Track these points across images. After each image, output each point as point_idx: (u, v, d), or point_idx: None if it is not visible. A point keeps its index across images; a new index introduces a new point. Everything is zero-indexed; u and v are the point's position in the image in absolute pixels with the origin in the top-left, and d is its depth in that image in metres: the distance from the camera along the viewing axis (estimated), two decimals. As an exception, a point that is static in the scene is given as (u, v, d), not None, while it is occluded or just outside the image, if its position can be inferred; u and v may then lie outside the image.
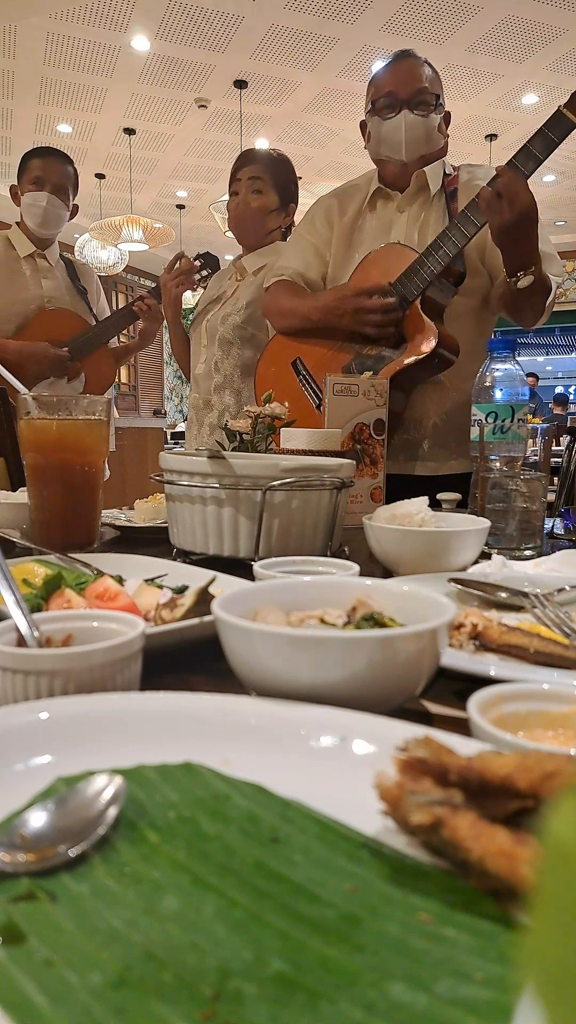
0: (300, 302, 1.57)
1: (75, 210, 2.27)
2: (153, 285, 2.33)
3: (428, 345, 1.38)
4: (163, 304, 2.10)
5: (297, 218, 1.97)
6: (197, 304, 2.10)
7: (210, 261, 2.31)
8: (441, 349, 1.38)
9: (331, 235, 1.63)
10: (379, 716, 0.40)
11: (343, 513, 0.89)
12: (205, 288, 2.14)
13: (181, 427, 8.48)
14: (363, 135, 1.62)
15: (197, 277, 2.33)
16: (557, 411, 9.02)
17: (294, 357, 1.58)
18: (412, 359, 1.39)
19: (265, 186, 1.91)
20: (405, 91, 1.49)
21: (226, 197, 2.08)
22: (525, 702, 0.40)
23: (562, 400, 9.39)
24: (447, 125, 1.57)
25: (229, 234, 2.13)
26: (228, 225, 2.02)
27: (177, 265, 2.02)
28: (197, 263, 2.31)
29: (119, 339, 2.46)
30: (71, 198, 2.22)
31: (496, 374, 1.10)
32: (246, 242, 2.00)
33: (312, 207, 1.70)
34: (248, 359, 1.90)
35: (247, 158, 1.95)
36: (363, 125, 1.61)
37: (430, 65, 1.54)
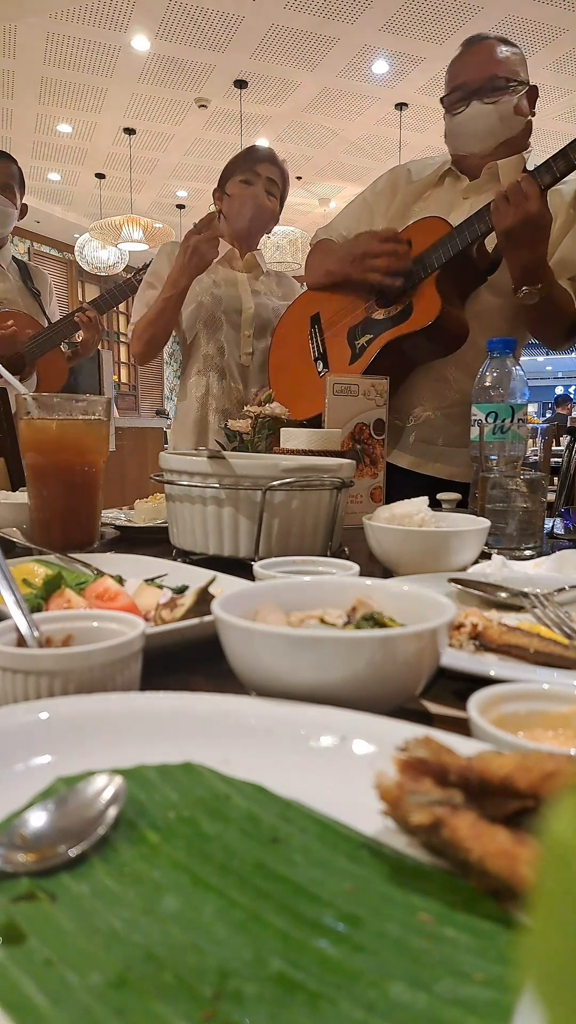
0: (324, 255, 1.58)
1: (24, 210, 2.27)
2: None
3: (427, 318, 1.35)
4: (184, 266, 1.68)
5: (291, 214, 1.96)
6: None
7: None
8: (442, 326, 1.35)
9: (392, 199, 1.58)
10: (379, 716, 0.40)
11: (343, 513, 0.89)
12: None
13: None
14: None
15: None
16: (560, 411, 9.04)
17: (315, 311, 1.60)
18: (410, 329, 1.37)
19: (277, 190, 1.87)
20: (475, 80, 1.41)
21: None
22: (525, 702, 0.40)
23: (563, 400, 9.40)
24: (532, 103, 1.44)
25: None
26: (234, 208, 1.84)
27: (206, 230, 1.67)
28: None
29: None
30: (18, 197, 2.23)
31: (496, 374, 1.10)
32: (245, 233, 1.89)
33: (383, 174, 1.64)
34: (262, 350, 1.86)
35: (266, 154, 1.85)
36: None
37: (508, 43, 1.45)
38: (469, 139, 1.45)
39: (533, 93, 1.45)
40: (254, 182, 1.82)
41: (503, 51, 1.43)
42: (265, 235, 1.97)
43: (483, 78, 1.40)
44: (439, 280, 1.37)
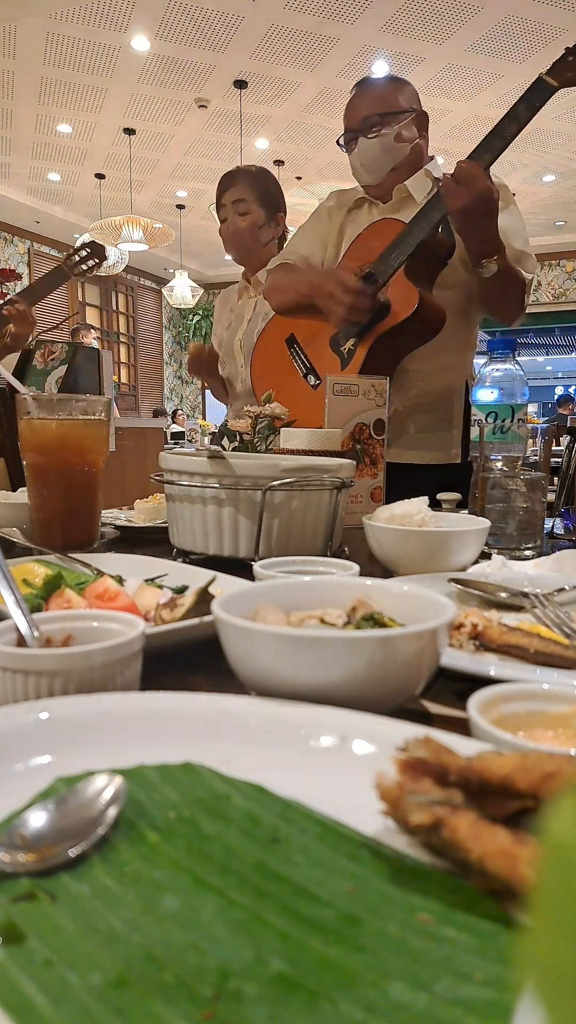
0: (293, 276, 1.65)
1: None
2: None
3: (408, 307, 1.41)
4: (202, 377, 2.16)
5: (296, 217, 2.02)
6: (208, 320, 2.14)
7: (96, 251, 2.29)
8: (422, 312, 1.41)
9: (330, 223, 1.72)
10: (379, 716, 0.40)
11: (343, 513, 0.89)
12: (89, 274, 2.23)
13: (175, 428, 8.51)
14: None
15: (84, 267, 2.30)
16: (562, 411, 9.03)
17: (288, 334, 1.63)
18: (394, 322, 1.42)
19: (249, 205, 1.97)
20: (355, 122, 1.61)
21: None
22: (525, 702, 0.40)
23: (565, 400, 9.38)
24: (422, 127, 1.63)
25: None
26: (225, 248, 2.08)
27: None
28: (84, 252, 2.29)
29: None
30: None
31: (496, 374, 1.10)
32: (245, 260, 2.05)
33: (322, 202, 1.78)
34: None
35: (227, 182, 1.99)
36: None
37: (394, 79, 1.65)
38: (363, 171, 1.63)
39: (421, 118, 1.63)
40: (227, 215, 1.99)
41: (382, 90, 1.62)
42: (271, 238, 2.04)
43: (362, 118, 1.59)
44: (408, 271, 1.43)
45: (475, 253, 1.40)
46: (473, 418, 1.11)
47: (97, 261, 2.30)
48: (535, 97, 1.34)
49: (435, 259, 1.48)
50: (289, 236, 2.05)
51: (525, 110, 1.35)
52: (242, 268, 2.11)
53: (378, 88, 1.63)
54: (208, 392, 2.21)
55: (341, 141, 1.66)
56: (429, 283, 1.48)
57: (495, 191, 1.32)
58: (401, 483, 1.30)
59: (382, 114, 1.59)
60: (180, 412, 10.27)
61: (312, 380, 1.56)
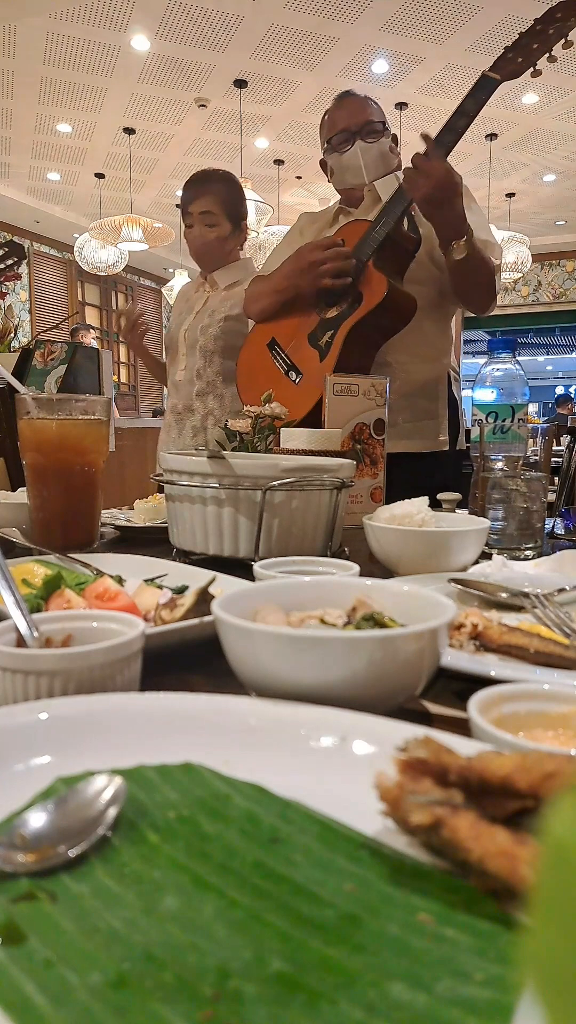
0: (265, 281, 1.71)
1: None
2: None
3: (379, 295, 1.46)
4: (134, 350, 2.22)
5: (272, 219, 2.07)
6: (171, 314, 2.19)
7: (14, 249, 2.32)
8: (392, 299, 1.46)
9: (303, 240, 1.78)
10: (379, 716, 0.40)
11: (343, 513, 0.89)
12: (8, 272, 2.29)
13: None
14: (325, 172, 1.81)
15: (2, 266, 2.33)
16: (561, 411, 9.02)
17: (269, 338, 1.69)
18: (366, 310, 1.47)
19: (217, 218, 2.04)
20: (355, 124, 1.68)
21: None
22: (525, 702, 0.40)
23: (564, 400, 9.38)
24: (397, 145, 1.76)
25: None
26: (190, 254, 2.14)
27: (124, 321, 2.13)
28: (1, 252, 2.31)
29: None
30: None
31: (496, 374, 1.10)
32: (207, 266, 2.11)
33: (295, 224, 1.88)
34: (228, 368, 1.99)
35: (196, 190, 2.05)
36: (323, 163, 1.79)
37: (371, 99, 1.76)
38: (358, 171, 1.69)
39: (396, 139, 1.76)
40: (192, 223, 2.06)
41: (373, 104, 1.74)
42: (234, 246, 2.11)
43: (361, 122, 1.68)
44: (377, 263, 1.50)
45: (444, 237, 1.46)
46: (473, 418, 1.10)
47: (16, 259, 2.33)
48: (481, 92, 1.42)
49: (402, 252, 1.55)
50: (259, 233, 2.11)
51: (473, 104, 1.42)
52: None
53: (371, 101, 1.74)
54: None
55: (339, 140, 1.71)
56: (399, 275, 1.55)
57: (455, 174, 1.38)
58: (396, 473, 1.32)
59: (384, 124, 1.70)
60: (180, 412, 10.25)
61: (293, 376, 1.61)
